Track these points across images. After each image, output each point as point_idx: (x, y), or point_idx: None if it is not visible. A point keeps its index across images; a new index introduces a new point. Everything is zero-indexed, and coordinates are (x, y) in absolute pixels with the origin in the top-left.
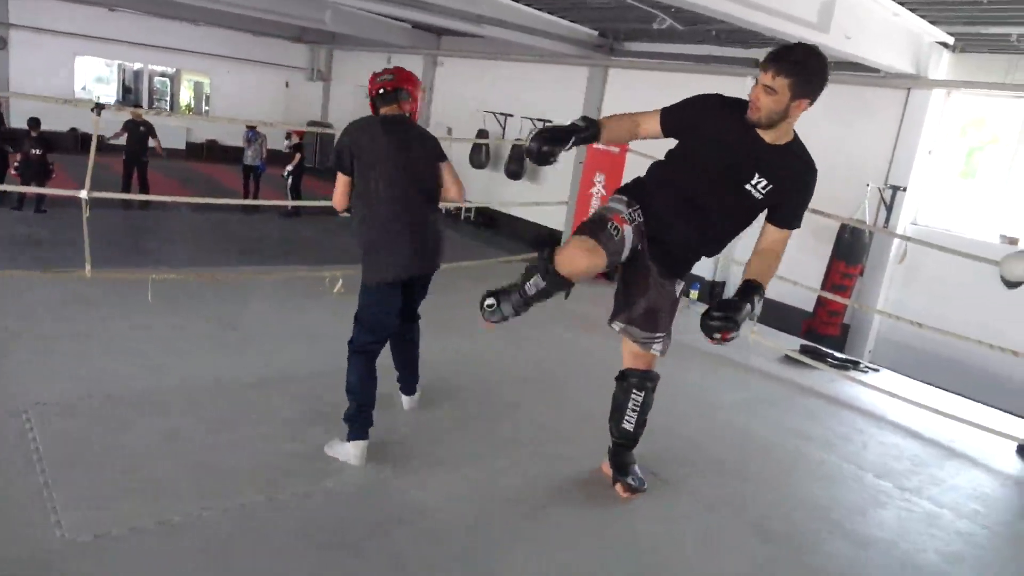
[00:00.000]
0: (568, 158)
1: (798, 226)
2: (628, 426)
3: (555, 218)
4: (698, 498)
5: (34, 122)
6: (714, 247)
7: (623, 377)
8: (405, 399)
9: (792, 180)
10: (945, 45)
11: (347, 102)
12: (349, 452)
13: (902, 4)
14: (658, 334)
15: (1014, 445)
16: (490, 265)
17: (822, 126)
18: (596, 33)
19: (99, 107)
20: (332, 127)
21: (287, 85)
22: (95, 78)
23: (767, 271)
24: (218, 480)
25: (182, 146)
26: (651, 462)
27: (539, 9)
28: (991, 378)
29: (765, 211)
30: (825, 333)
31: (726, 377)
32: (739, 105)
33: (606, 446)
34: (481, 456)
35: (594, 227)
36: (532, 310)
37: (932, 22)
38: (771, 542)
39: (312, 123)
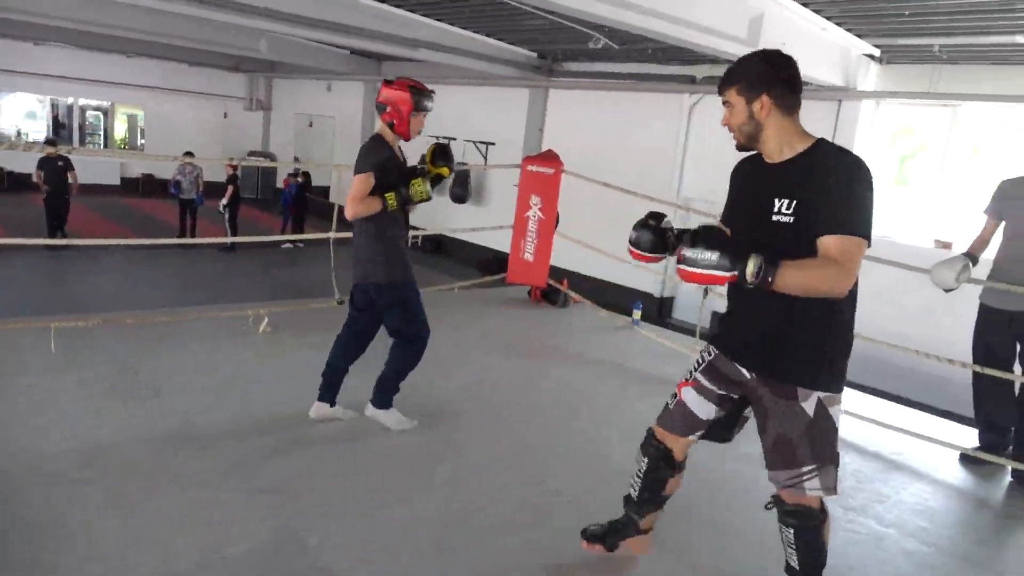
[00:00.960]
0: (513, 181)
1: (851, 231)
2: (792, 563)
3: (502, 242)
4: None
5: None
6: (791, 313)
7: (773, 507)
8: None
9: (813, 185)
10: (872, 57)
11: (288, 130)
12: (394, 419)
13: (829, 19)
14: (804, 469)
15: (957, 454)
16: (435, 294)
17: None
18: (535, 55)
19: None
20: (275, 156)
21: (225, 115)
22: (25, 114)
23: (798, 266)
24: (111, 555)
25: (116, 181)
26: (582, 498)
27: (476, 32)
28: (931, 379)
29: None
30: None
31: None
32: (749, 155)
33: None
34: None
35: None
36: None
37: (858, 35)
38: None
39: (253, 153)
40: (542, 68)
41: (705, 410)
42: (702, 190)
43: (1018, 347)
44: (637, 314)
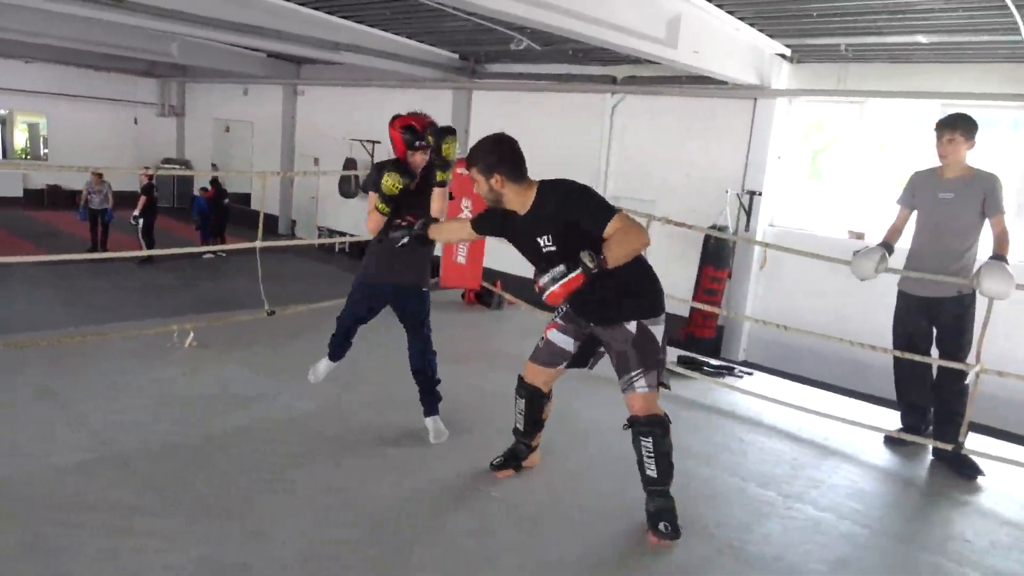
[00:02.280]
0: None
1: (611, 216)
2: (651, 472)
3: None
4: (583, 539)
5: None
6: (604, 275)
7: (629, 426)
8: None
9: (555, 215)
10: (784, 56)
11: (205, 137)
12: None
13: (742, 19)
14: (634, 372)
15: (881, 436)
16: None
17: (680, 137)
18: (456, 56)
19: None
20: (191, 164)
21: (136, 122)
22: None
23: (612, 245)
24: None
25: (19, 193)
26: (525, 502)
27: (397, 34)
28: (855, 364)
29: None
30: (702, 336)
31: (602, 398)
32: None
33: None
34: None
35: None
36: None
37: (770, 35)
38: (663, 574)
39: (168, 160)
40: (465, 70)
41: (567, 343)
42: (628, 188)
43: (934, 332)
44: None
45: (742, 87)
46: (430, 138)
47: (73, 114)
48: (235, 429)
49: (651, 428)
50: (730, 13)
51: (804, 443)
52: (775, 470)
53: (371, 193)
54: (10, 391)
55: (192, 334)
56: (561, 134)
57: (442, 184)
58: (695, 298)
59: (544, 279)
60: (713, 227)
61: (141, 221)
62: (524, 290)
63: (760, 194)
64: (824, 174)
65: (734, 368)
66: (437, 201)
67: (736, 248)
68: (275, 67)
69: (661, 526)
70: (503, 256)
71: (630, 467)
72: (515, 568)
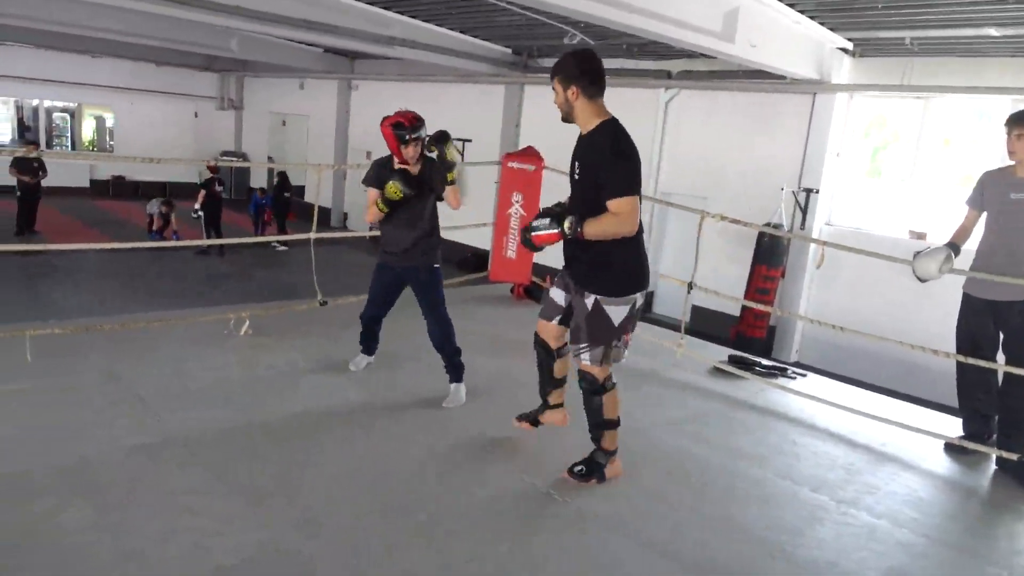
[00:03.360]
0: (491, 178)
1: (618, 195)
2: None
3: (479, 239)
4: (628, 532)
5: None
6: (586, 249)
7: (580, 379)
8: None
9: (594, 155)
10: (845, 51)
11: (261, 130)
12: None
13: (803, 12)
14: (582, 344)
15: (942, 443)
16: None
17: (736, 133)
18: (509, 51)
19: None
20: (248, 156)
21: (196, 115)
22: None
23: (595, 221)
24: None
25: (86, 183)
26: (575, 494)
27: (451, 29)
28: (913, 368)
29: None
30: (753, 336)
31: (652, 395)
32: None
33: None
34: None
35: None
36: None
37: (832, 29)
38: (710, 574)
39: (225, 153)
40: (517, 64)
41: (560, 296)
42: (680, 184)
43: (1000, 336)
44: None
45: (801, 82)
46: (432, 146)
47: (137, 107)
48: (290, 415)
49: (584, 384)
50: (790, 6)
51: (859, 448)
52: (829, 474)
53: (371, 189)
54: (78, 374)
55: (248, 322)
56: None
57: (452, 183)
58: (747, 297)
59: (534, 222)
60: (767, 225)
61: (202, 214)
62: None
63: (817, 192)
64: (884, 172)
65: (787, 369)
66: (453, 196)
67: (791, 246)
68: (331, 62)
69: (577, 468)
70: (553, 252)
71: (675, 464)
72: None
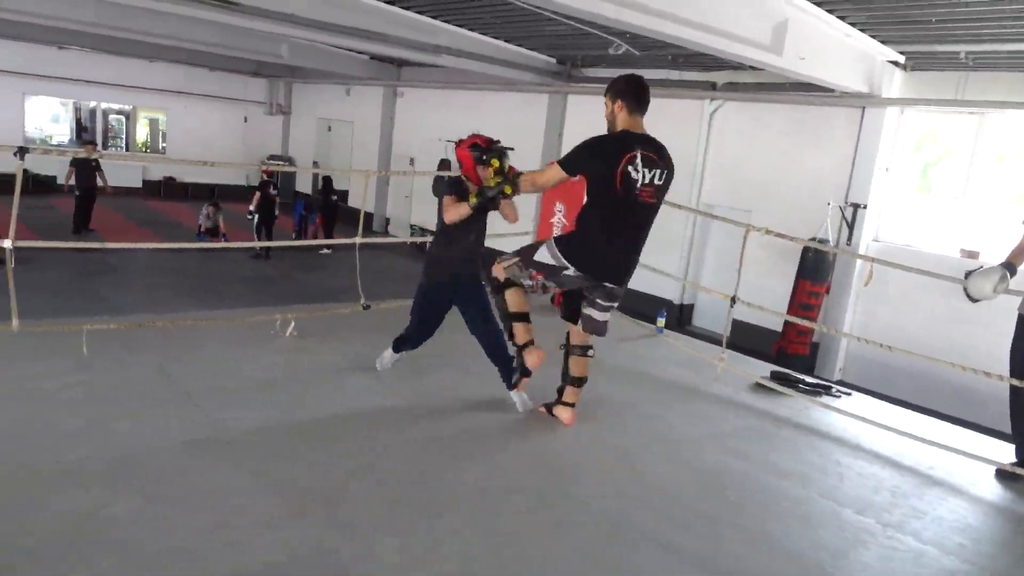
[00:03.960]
0: None
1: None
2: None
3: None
4: (667, 547)
5: None
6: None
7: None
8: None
9: None
10: (896, 64)
11: (308, 135)
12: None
13: (854, 25)
14: (505, 255)
15: (993, 469)
16: None
17: (781, 146)
18: (554, 60)
19: (22, 150)
20: (294, 160)
21: (245, 120)
22: (50, 117)
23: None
24: (145, 569)
25: (138, 184)
26: (612, 507)
27: (497, 38)
28: (963, 390)
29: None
30: (795, 352)
31: (692, 409)
32: None
33: None
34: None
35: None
36: None
37: (883, 42)
38: None
39: (272, 157)
40: (561, 74)
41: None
42: (723, 196)
43: None
44: (661, 322)
45: (850, 95)
46: (494, 160)
47: (190, 111)
48: (331, 417)
49: (488, 283)
50: (841, 18)
51: (906, 471)
52: (874, 497)
53: (448, 196)
54: (132, 369)
55: (293, 324)
56: None
57: (512, 195)
58: (789, 312)
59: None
60: (813, 240)
61: (256, 216)
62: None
63: (865, 207)
64: (935, 188)
65: (831, 387)
66: (511, 209)
67: (837, 262)
68: (377, 69)
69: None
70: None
71: (714, 479)
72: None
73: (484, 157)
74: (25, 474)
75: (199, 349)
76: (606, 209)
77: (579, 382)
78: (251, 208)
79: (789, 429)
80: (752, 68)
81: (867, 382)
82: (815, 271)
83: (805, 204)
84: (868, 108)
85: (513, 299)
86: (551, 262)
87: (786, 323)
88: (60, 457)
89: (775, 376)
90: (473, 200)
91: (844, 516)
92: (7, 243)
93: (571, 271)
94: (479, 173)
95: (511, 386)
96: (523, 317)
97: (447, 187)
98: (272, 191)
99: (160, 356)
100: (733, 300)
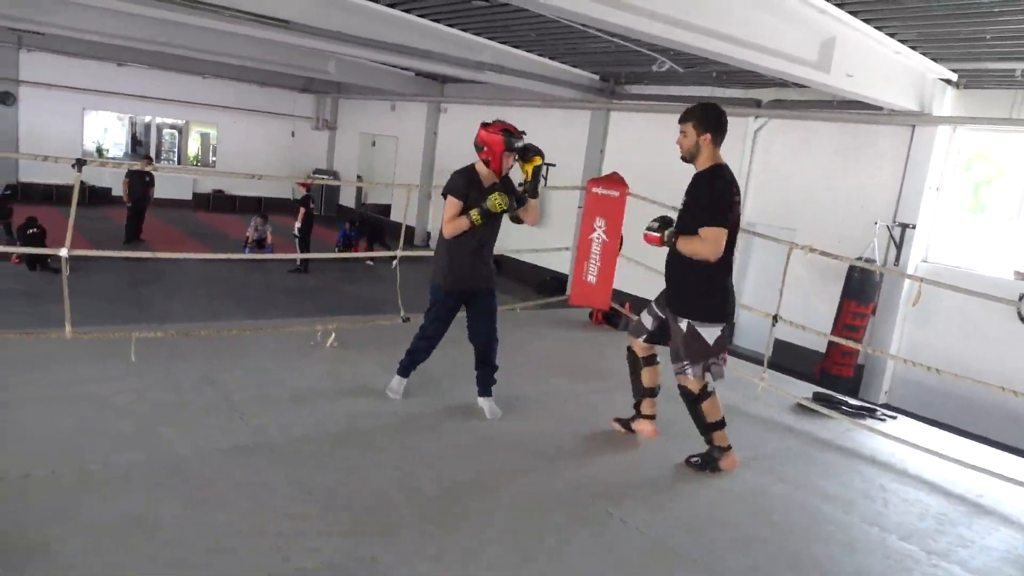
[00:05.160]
0: (572, 203)
1: (706, 224)
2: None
3: (559, 263)
4: (708, 564)
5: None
6: (683, 276)
7: (681, 395)
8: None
9: (695, 188)
10: (948, 82)
11: (352, 149)
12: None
13: (904, 42)
14: (682, 363)
15: None
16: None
17: (827, 165)
18: (597, 77)
19: (80, 163)
20: (339, 175)
21: (293, 134)
22: (105, 131)
23: (688, 239)
24: (187, 569)
25: (189, 196)
26: (654, 529)
27: (540, 55)
28: (1015, 416)
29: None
30: (839, 374)
31: (734, 430)
32: None
33: None
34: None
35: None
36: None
37: (934, 59)
38: None
39: (318, 171)
40: (604, 91)
41: (648, 321)
42: (767, 215)
43: None
44: None
45: (900, 113)
46: (536, 158)
47: (239, 125)
48: (371, 427)
49: (682, 395)
50: (891, 35)
51: (954, 498)
52: (919, 524)
53: (451, 198)
54: (179, 376)
55: (334, 334)
56: None
57: (535, 197)
58: (834, 333)
59: (650, 222)
60: (859, 259)
61: (300, 233)
62: None
63: (913, 227)
64: (988, 208)
65: (876, 410)
66: (533, 212)
67: (883, 283)
68: (421, 85)
69: (693, 459)
70: (633, 278)
71: (755, 501)
72: None
73: (519, 146)
74: (77, 476)
75: (242, 357)
76: (728, 249)
77: (653, 392)
78: (298, 225)
79: (832, 452)
80: (797, 85)
81: (914, 406)
82: (860, 291)
83: (851, 223)
84: (918, 127)
85: (710, 409)
86: (716, 333)
87: (830, 344)
88: (110, 460)
89: (818, 397)
90: (476, 217)
91: (888, 542)
92: (63, 252)
93: (722, 326)
94: (504, 161)
95: (483, 393)
96: (721, 425)
97: (452, 181)
98: (311, 204)
99: (205, 364)
100: (775, 319)
